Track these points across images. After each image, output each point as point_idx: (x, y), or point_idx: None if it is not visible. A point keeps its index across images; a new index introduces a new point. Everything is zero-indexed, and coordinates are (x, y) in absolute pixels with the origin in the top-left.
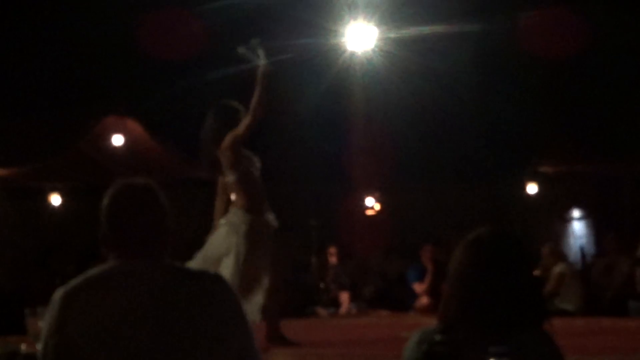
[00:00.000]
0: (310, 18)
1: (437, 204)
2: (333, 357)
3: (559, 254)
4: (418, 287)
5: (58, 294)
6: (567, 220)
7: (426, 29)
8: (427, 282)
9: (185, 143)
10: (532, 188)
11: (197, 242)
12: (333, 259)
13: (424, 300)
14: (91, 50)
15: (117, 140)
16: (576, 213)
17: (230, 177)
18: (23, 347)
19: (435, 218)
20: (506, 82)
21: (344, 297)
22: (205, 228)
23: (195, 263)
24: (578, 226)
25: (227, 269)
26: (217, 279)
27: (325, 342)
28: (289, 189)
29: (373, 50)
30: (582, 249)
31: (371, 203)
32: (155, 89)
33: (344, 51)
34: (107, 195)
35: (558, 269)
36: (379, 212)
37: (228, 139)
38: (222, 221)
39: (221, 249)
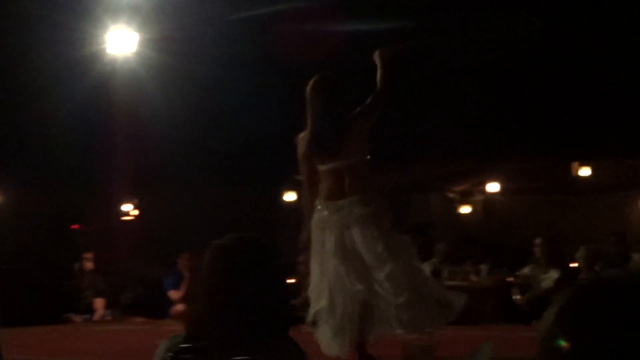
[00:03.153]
0: (70, 23)
1: (197, 210)
2: None
3: None
4: (174, 295)
5: None
6: None
7: (187, 33)
8: (184, 289)
9: None
10: (290, 196)
11: None
12: (89, 265)
13: (178, 308)
14: None
15: None
16: None
17: (360, 158)
18: None
19: (195, 224)
20: (267, 89)
21: (99, 303)
22: None
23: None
24: None
25: (402, 273)
26: None
27: (78, 350)
28: (54, 194)
29: (134, 55)
30: None
31: (129, 209)
32: None
33: (105, 56)
34: None
35: None
36: (137, 218)
37: (364, 115)
38: (356, 214)
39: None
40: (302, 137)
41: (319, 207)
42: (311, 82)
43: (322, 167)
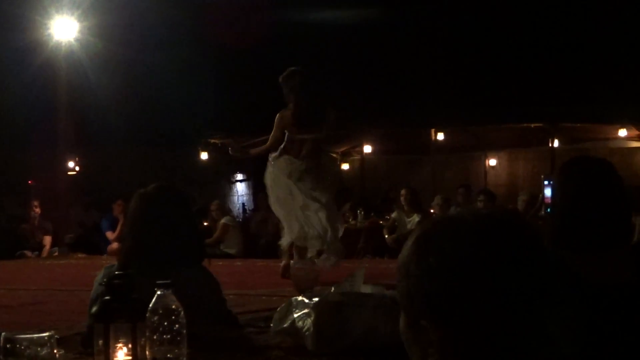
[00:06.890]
0: (16, 11)
1: (127, 166)
2: (38, 292)
3: (224, 209)
4: (110, 235)
5: None
6: (232, 182)
7: (123, 21)
8: (118, 230)
9: None
10: (204, 155)
11: None
12: (37, 210)
13: (114, 246)
14: None
15: None
16: (239, 176)
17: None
18: None
19: (126, 178)
20: (186, 67)
21: (47, 241)
22: None
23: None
24: (241, 187)
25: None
26: None
27: (29, 279)
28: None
29: (75, 41)
30: (243, 205)
31: (71, 166)
32: None
33: (50, 42)
34: None
35: (223, 220)
36: (79, 173)
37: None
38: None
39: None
40: (283, 113)
41: (288, 160)
42: (287, 74)
43: (297, 136)
